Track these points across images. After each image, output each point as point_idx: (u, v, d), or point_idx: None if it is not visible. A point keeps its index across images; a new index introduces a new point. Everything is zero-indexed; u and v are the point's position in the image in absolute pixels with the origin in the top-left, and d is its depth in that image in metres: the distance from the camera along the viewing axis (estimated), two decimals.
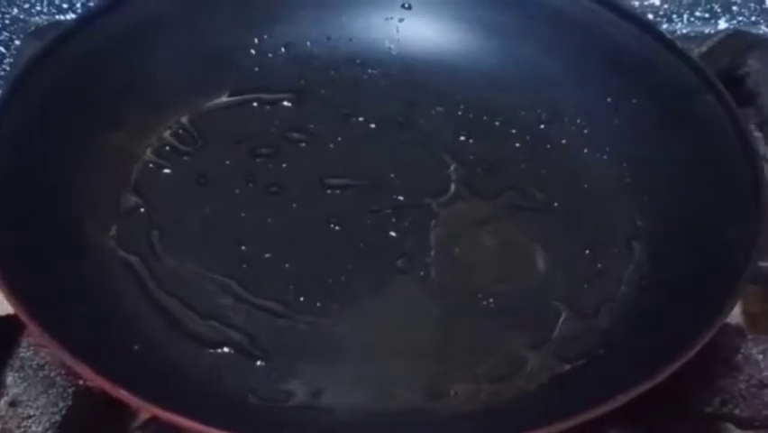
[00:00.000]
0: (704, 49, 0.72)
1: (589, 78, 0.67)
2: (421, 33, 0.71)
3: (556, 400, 0.53)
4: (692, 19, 0.80)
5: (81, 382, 0.55)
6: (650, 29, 0.67)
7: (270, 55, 0.70)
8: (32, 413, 0.55)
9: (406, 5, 0.71)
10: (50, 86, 0.62)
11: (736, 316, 0.62)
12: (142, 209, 0.61)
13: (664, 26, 0.80)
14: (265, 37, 0.70)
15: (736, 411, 0.57)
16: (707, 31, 0.80)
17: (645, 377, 0.49)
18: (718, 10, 0.80)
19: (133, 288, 0.57)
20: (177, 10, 0.68)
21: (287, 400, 0.53)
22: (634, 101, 0.66)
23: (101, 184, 0.61)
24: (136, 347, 0.53)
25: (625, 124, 0.66)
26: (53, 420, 0.54)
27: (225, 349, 0.55)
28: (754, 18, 0.80)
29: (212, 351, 0.55)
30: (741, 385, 0.57)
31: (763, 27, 0.80)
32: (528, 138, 0.67)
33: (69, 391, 0.55)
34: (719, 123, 0.62)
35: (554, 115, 0.68)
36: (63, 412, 0.55)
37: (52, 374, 0.56)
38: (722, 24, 0.80)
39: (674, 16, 0.80)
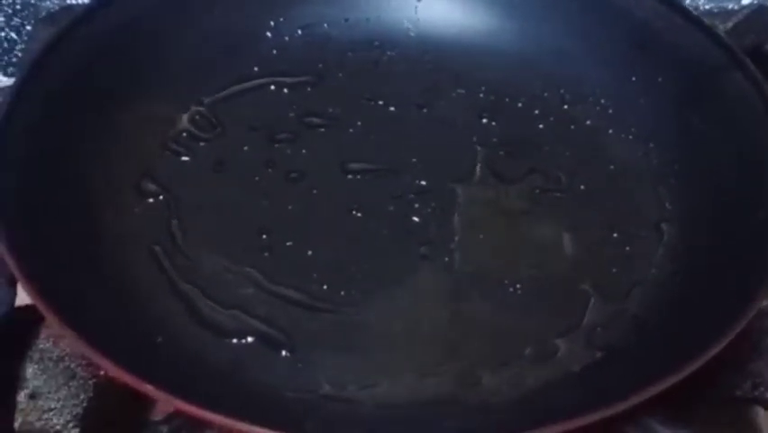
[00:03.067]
0: (729, 25, 0.71)
1: (613, 57, 0.66)
2: (440, 13, 0.70)
3: (588, 390, 0.51)
4: None
5: (102, 374, 0.54)
6: (674, 5, 0.65)
7: (287, 38, 0.69)
8: (52, 406, 0.54)
9: None
10: (65, 72, 0.61)
11: None
12: (161, 197, 0.60)
13: (687, 2, 0.78)
14: (281, 19, 0.69)
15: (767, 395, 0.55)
16: (730, 6, 0.79)
17: (680, 366, 0.48)
18: None
19: (154, 278, 0.56)
20: None
21: (312, 391, 0.52)
22: (659, 80, 0.64)
23: (118, 172, 0.60)
24: (159, 339, 0.53)
25: (650, 103, 0.65)
26: (74, 413, 0.54)
27: (249, 339, 0.54)
28: None
29: (235, 341, 0.54)
30: None
31: None
32: (552, 119, 0.66)
33: (90, 382, 0.55)
34: (748, 100, 0.60)
35: (578, 95, 0.67)
36: (84, 405, 0.54)
37: (72, 366, 0.55)
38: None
39: None
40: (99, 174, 0.59)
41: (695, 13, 0.66)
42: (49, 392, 0.54)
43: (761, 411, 0.56)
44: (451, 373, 0.53)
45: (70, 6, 0.79)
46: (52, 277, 0.51)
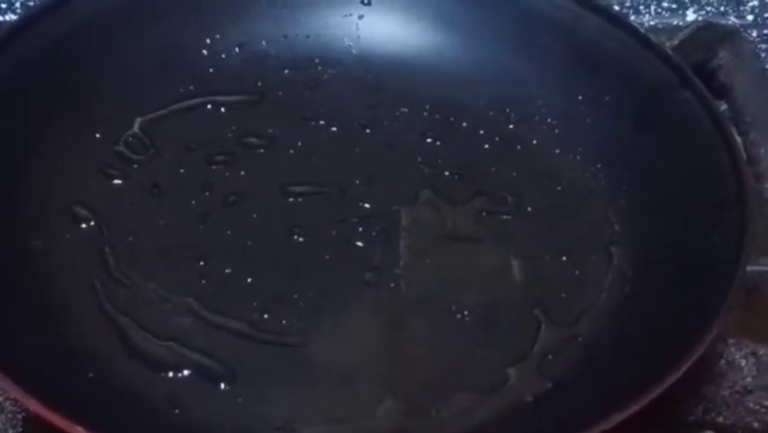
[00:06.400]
0: (675, 42, 0.70)
1: (560, 76, 0.65)
2: (382, 31, 0.68)
3: (542, 420, 0.50)
4: (660, 10, 0.79)
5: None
6: (622, 23, 0.65)
7: (224, 55, 0.67)
8: None
9: (366, 1, 0.69)
10: None
11: None
12: (93, 223, 0.58)
13: (631, 18, 0.78)
14: (217, 36, 0.67)
15: (720, 419, 0.55)
16: (675, 22, 0.78)
17: (635, 396, 0.46)
18: (686, 0, 0.78)
19: (85, 309, 0.54)
20: (123, 10, 0.65)
21: (256, 426, 0.50)
22: (607, 99, 0.64)
23: (48, 198, 0.58)
24: (90, 375, 0.50)
25: (598, 122, 0.64)
26: None
27: (186, 372, 0.52)
28: (722, 9, 0.79)
29: (171, 375, 0.52)
30: (724, 392, 0.56)
31: (732, 18, 0.79)
32: (497, 139, 0.65)
33: (19, 417, 0.53)
34: (697, 120, 0.60)
35: (524, 114, 0.65)
36: None
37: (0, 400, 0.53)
38: (690, 16, 0.79)
39: (641, 8, 0.79)
40: (27, 200, 0.57)
41: (641, 30, 0.65)
42: None
43: None
44: (399, 406, 0.52)
45: None
46: None
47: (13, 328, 0.50)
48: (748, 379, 0.56)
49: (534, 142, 0.64)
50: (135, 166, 0.61)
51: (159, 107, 0.64)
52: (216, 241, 0.58)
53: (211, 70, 0.66)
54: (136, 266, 0.56)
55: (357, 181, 0.62)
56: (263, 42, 0.68)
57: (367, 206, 0.60)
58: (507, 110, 0.66)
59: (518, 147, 0.64)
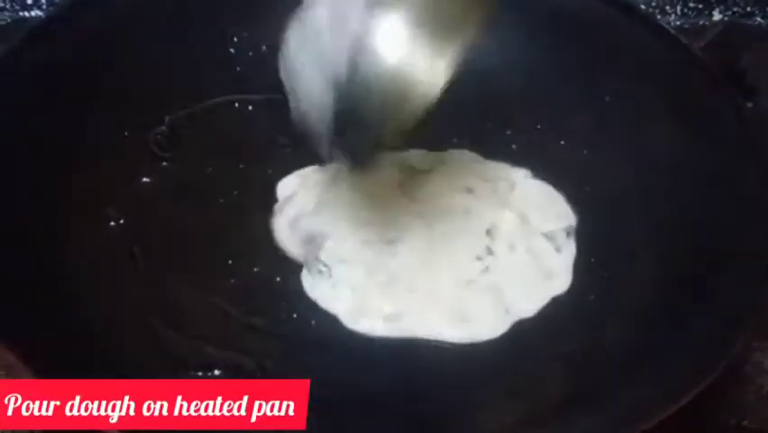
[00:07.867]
0: (702, 43, 0.70)
1: (587, 76, 0.65)
2: None
3: (568, 427, 0.50)
4: (686, 10, 0.79)
5: None
6: (650, 24, 0.65)
7: (251, 54, 0.67)
8: None
9: None
10: (18, 93, 0.59)
11: None
12: (122, 221, 0.58)
13: (657, 18, 0.77)
14: (245, 35, 0.67)
15: (745, 423, 0.55)
16: (701, 22, 0.78)
17: (664, 403, 0.47)
18: (712, 0, 0.78)
19: (114, 309, 0.54)
20: (151, 9, 0.65)
21: None
22: (635, 99, 0.63)
23: (78, 197, 0.58)
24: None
25: (625, 123, 0.63)
26: None
27: (216, 372, 0.52)
28: (749, 9, 0.78)
29: (201, 374, 0.52)
30: (750, 396, 0.56)
31: (758, 18, 0.78)
32: (524, 139, 0.64)
33: None
34: (726, 121, 0.59)
35: (551, 115, 0.65)
36: None
37: None
38: (716, 16, 0.79)
39: (668, 8, 0.78)
40: (56, 199, 0.57)
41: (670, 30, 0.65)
42: None
43: None
44: (426, 405, 0.52)
45: (24, 19, 0.76)
46: (8, 310, 0.49)
47: (43, 328, 0.50)
48: None
49: (562, 142, 0.64)
50: (164, 164, 0.62)
51: (187, 106, 0.64)
52: (244, 240, 0.58)
53: (238, 69, 0.66)
54: (165, 265, 0.56)
55: None
56: None
57: None
58: (535, 110, 0.65)
59: (546, 147, 0.64)
